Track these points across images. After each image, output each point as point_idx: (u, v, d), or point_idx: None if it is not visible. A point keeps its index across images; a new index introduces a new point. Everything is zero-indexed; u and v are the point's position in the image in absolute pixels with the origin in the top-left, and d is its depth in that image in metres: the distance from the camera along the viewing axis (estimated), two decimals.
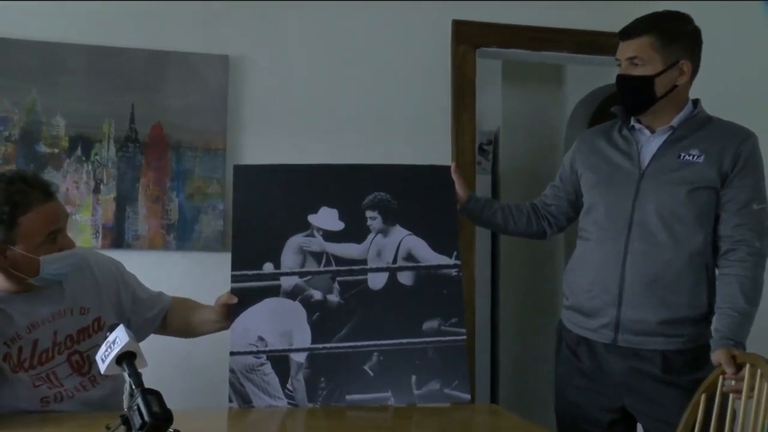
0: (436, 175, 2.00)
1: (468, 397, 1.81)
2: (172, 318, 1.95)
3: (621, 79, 1.86)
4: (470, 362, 2.37)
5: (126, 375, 1.33)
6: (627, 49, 1.84)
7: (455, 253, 1.89)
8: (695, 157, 1.82)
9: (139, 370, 1.36)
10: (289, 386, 1.78)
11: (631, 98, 1.86)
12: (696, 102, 1.91)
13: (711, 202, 1.81)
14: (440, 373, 1.81)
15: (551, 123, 3.76)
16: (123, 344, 1.38)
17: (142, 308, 1.90)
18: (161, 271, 2.42)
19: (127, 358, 1.37)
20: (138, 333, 1.76)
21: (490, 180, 3.81)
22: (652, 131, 1.90)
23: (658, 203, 1.82)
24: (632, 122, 1.92)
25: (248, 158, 2.61)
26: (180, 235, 2.56)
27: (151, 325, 1.92)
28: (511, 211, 2.12)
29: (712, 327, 1.79)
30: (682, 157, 1.83)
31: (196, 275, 2.52)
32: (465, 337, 1.85)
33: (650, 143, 1.89)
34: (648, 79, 1.82)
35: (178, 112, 2.57)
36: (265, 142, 2.64)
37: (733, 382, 1.68)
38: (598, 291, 1.88)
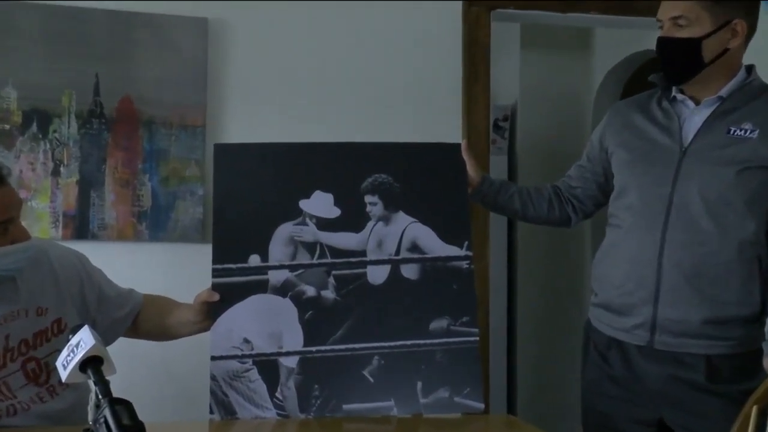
0: (445, 154, 1.99)
1: (481, 406, 1.81)
2: (145, 318, 1.95)
3: (663, 42, 1.85)
4: (484, 367, 2.38)
5: (91, 383, 1.33)
6: (671, 7, 1.82)
7: (466, 243, 1.89)
8: (748, 131, 1.81)
9: (107, 378, 1.35)
10: (278, 395, 1.78)
11: (674, 65, 1.85)
12: (750, 68, 1.89)
13: (765, 183, 1.79)
14: (450, 379, 1.81)
15: (577, 95, 3.75)
16: (88, 348, 1.37)
17: (110, 307, 1.89)
18: (132, 266, 2.42)
19: (92, 363, 1.36)
20: (105, 335, 1.75)
21: (506, 160, 3.81)
22: (697, 102, 1.88)
23: (703, 185, 1.81)
24: (674, 92, 1.91)
25: (231, 136, 2.61)
26: (153, 224, 2.56)
27: (121, 326, 1.92)
28: (530, 195, 2.11)
29: (766, 329, 1.78)
30: (732, 132, 1.82)
31: (172, 270, 2.52)
32: (478, 338, 1.85)
33: (694, 116, 1.88)
34: (695, 41, 1.80)
35: (150, 84, 2.56)
36: (251, 118, 2.64)
37: None
38: (631, 286, 1.88)
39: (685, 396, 1.83)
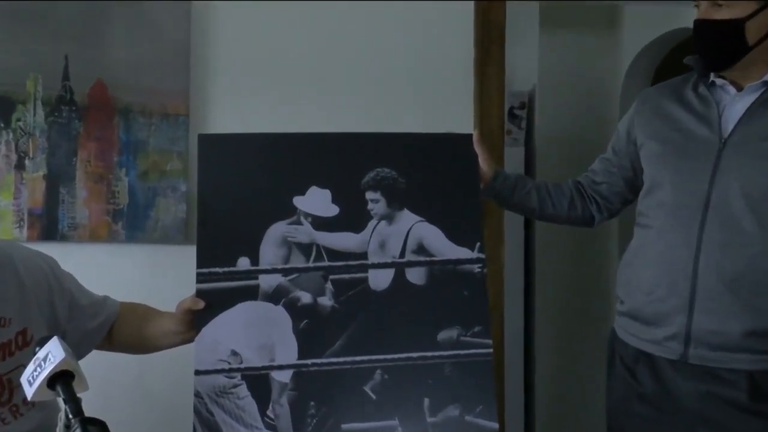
0: (455, 146, 2.00)
1: (495, 426, 1.81)
2: (121, 329, 1.94)
3: (701, 25, 1.85)
4: (498, 382, 2.37)
5: (61, 401, 1.33)
6: None
7: (478, 244, 1.89)
8: None
9: (79, 395, 1.35)
10: (269, 413, 1.78)
11: (714, 50, 1.85)
12: None
13: None
14: (460, 395, 1.81)
15: (603, 80, 3.74)
16: (57, 362, 1.37)
17: (82, 317, 1.89)
18: (107, 270, 2.42)
19: (62, 379, 1.36)
20: (77, 348, 1.74)
21: (522, 153, 3.81)
22: (739, 89, 1.88)
23: (744, 181, 1.81)
24: (712, 77, 1.90)
25: (217, 126, 2.60)
26: (131, 223, 2.55)
27: (94, 337, 1.91)
28: (548, 191, 2.12)
29: None
30: None
31: (151, 274, 2.52)
32: (491, 350, 1.85)
33: (735, 104, 1.88)
34: (737, 23, 1.80)
35: (127, 67, 2.55)
36: (239, 105, 2.63)
37: None
38: (662, 292, 1.88)
39: (723, 416, 1.83)
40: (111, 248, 2.55)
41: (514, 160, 3.59)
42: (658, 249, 1.90)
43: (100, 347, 1.93)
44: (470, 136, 2.01)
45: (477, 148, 1.99)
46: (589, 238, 3.51)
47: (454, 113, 2.73)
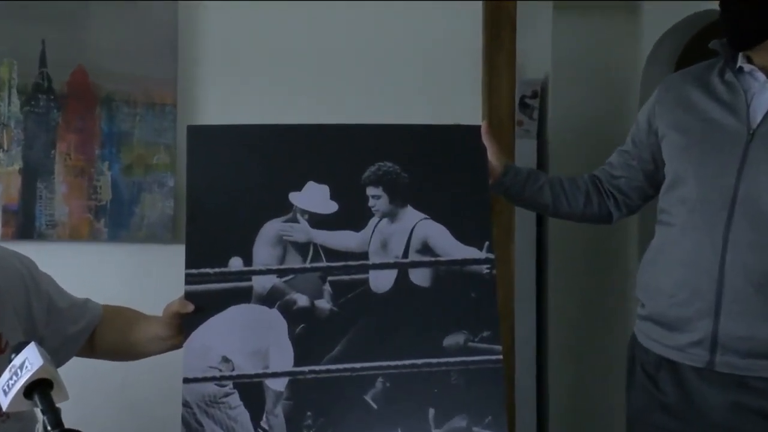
0: (462, 138, 2.00)
1: None
2: (104, 334, 1.94)
3: (728, 2, 1.84)
4: (508, 391, 2.37)
5: (38, 412, 1.33)
6: None
7: (487, 243, 1.89)
8: None
9: (58, 405, 1.34)
10: (263, 424, 1.78)
11: (741, 26, 1.85)
12: None
13: None
14: (468, 405, 1.81)
15: (621, 67, 3.73)
16: (35, 369, 1.36)
17: (62, 322, 1.88)
18: (88, 271, 2.43)
19: (40, 388, 1.36)
20: (56, 355, 1.74)
21: (534, 145, 3.80)
22: None
23: None
24: (739, 62, 1.90)
25: (207, 117, 2.61)
26: (114, 221, 2.56)
27: (75, 344, 1.91)
28: (563, 186, 2.12)
29: None
30: None
31: (136, 276, 2.53)
32: (501, 356, 1.85)
33: (765, 92, 1.88)
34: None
35: (109, 53, 2.55)
36: (231, 94, 2.64)
37: None
38: (686, 295, 1.88)
39: (752, 428, 1.83)
40: (93, 248, 2.56)
41: (525, 153, 3.58)
42: (681, 248, 1.90)
43: (82, 354, 1.93)
44: (478, 127, 2.01)
45: (485, 140, 1.99)
46: (607, 236, 3.51)
47: (461, 103, 2.73)
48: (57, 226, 2.53)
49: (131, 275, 2.53)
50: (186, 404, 1.77)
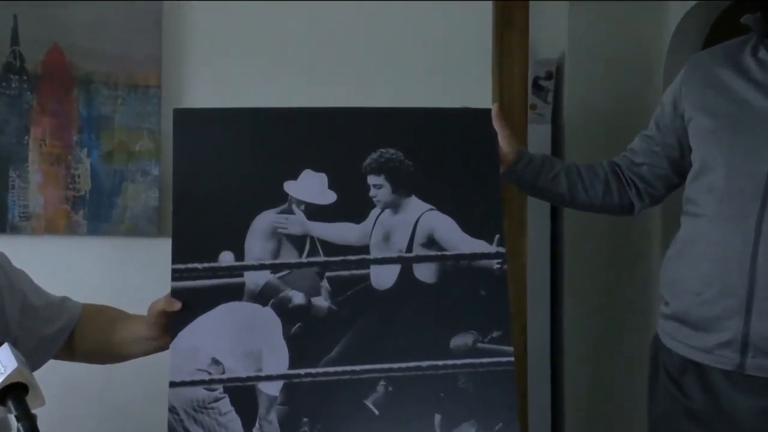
0: (470, 122, 2.00)
1: None
2: (84, 335, 1.94)
3: None
4: (521, 396, 2.37)
5: (12, 418, 1.33)
6: None
7: (498, 236, 1.90)
8: None
9: (34, 411, 1.35)
10: (256, 431, 1.78)
11: None
12: None
13: None
14: (476, 411, 1.82)
15: (644, 45, 3.72)
16: (9, 373, 1.37)
17: (38, 321, 1.89)
18: (66, 267, 2.43)
19: (14, 393, 1.36)
20: (31, 357, 1.75)
21: (549, 130, 3.79)
22: None
23: None
24: None
25: (194, 99, 2.61)
26: (94, 213, 2.56)
27: (52, 345, 1.91)
28: (580, 174, 2.13)
29: None
30: None
31: (118, 272, 2.54)
32: (512, 358, 1.86)
33: None
34: None
35: (88, 30, 2.56)
36: (220, 75, 2.64)
37: None
38: (714, 292, 1.88)
39: None
40: (71, 242, 2.56)
41: (539, 138, 3.57)
42: (709, 241, 1.90)
43: (59, 356, 1.93)
44: (488, 111, 2.02)
45: (496, 124, 2.00)
46: (628, 229, 3.51)
47: (470, 85, 2.73)
48: (31, 218, 2.53)
49: (113, 271, 2.54)
50: (172, 410, 1.77)
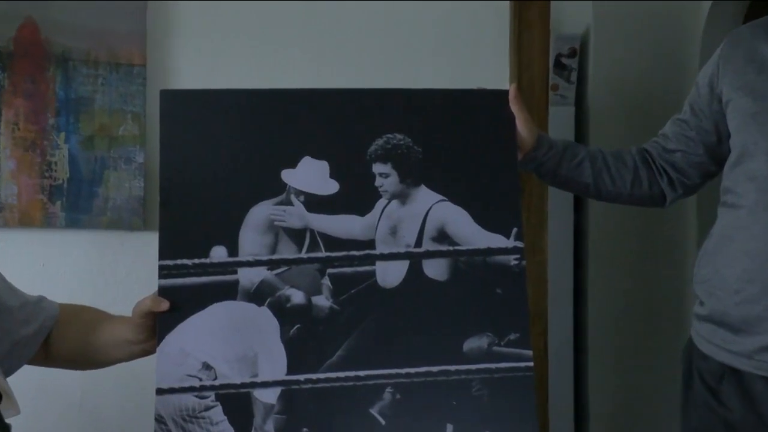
0: (485, 105, 2.01)
1: None
2: (61, 338, 1.95)
3: None
4: (540, 405, 2.37)
5: None
6: None
7: (515, 230, 1.91)
8: None
9: (8, 420, 1.35)
10: None
11: None
12: None
13: None
14: (492, 420, 1.82)
15: (677, 19, 3.71)
16: None
17: (11, 323, 1.89)
18: (42, 263, 2.43)
19: None
20: (5, 362, 1.76)
21: (572, 113, 3.79)
22: None
23: None
24: None
25: (183, 80, 2.61)
26: (72, 203, 2.57)
27: (27, 349, 1.92)
28: (606, 162, 2.13)
29: None
30: None
31: (99, 269, 2.54)
32: (531, 363, 1.86)
33: None
34: None
35: (65, 3, 2.56)
36: (211, 53, 2.64)
37: None
38: (755, 291, 1.89)
39: None
40: (47, 235, 2.57)
41: (561, 121, 3.57)
42: (749, 234, 1.91)
43: (35, 361, 1.93)
44: (506, 92, 2.01)
45: (514, 107, 1.99)
46: (659, 221, 3.51)
47: (484, 64, 2.73)
48: (4, 210, 2.54)
49: (93, 268, 2.54)
50: (159, 419, 1.77)
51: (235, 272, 1.84)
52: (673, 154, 2.13)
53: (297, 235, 1.86)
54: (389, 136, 1.92)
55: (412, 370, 1.83)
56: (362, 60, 2.67)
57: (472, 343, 1.85)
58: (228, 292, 1.83)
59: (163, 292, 1.82)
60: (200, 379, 1.80)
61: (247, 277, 1.84)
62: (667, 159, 2.14)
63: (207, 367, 1.80)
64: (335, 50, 2.67)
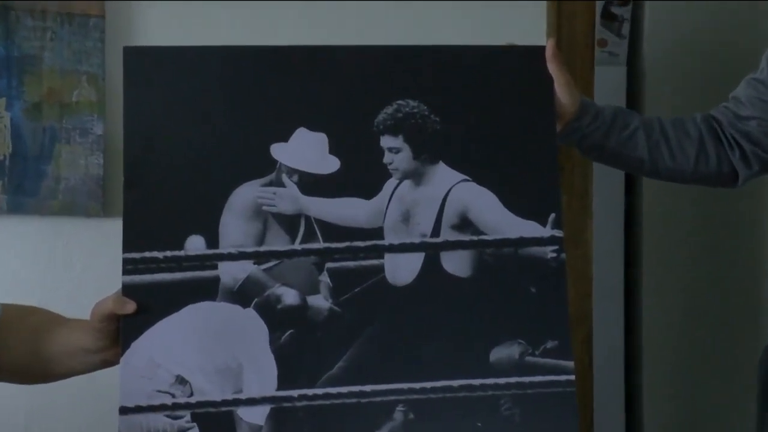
0: (517, 65, 2.01)
1: None
2: (4, 345, 1.94)
3: None
4: (585, 427, 2.39)
5: None
6: None
7: (553, 216, 1.90)
8: None
9: None
10: None
11: None
12: None
13: None
14: None
15: None
16: None
17: None
18: None
19: None
20: None
21: (624, 74, 3.81)
22: None
23: None
24: None
25: (149, 34, 2.62)
26: (16, 184, 2.60)
27: None
28: (664, 132, 2.12)
29: None
30: None
31: (50, 262, 2.55)
32: (573, 377, 1.86)
33: None
34: None
35: None
36: (183, 2, 2.65)
37: None
38: None
39: None
40: None
41: (610, 85, 3.59)
42: None
43: None
44: (542, 48, 2.01)
45: (552, 67, 1.98)
46: (730, 205, 3.52)
47: (515, 15, 2.74)
48: None
49: (42, 261, 2.55)
50: None
51: (216, 267, 1.85)
52: (747, 121, 2.12)
53: (289, 223, 1.87)
54: (400, 102, 1.92)
55: (427, 385, 1.83)
56: (368, 10, 2.67)
57: (500, 353, 1.86)
58: (206, 290, 1.84)
59: (127, 290, 1.82)
60: (173, 396, 1.80)
61: (230, 273, 1.85)
62: (739, 128, 2.12)
63: (181, 381, 1.81)
64: (346, 8, 2.68)
